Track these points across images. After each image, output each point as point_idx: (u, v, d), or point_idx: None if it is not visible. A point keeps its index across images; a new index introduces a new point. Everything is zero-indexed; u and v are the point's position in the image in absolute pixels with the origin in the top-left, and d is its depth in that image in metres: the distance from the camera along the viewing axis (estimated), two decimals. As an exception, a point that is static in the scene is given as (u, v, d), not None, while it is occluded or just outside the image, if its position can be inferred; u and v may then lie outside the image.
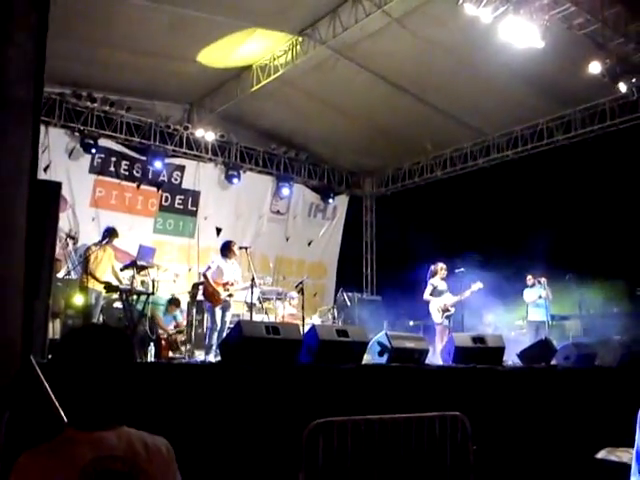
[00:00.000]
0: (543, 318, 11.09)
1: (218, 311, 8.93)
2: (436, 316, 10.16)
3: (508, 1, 8.68)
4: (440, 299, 10.20)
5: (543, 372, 7.31)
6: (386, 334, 6.80)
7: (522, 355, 8.23)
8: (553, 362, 7.95)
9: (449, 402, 4.64)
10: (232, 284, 9.06)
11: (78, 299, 8.72)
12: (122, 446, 1.81)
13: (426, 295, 10.29)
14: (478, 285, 10.11)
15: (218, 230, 9.76)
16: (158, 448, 1.88)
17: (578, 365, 7.93)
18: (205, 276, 9.15)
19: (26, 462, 1.73)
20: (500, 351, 7.45)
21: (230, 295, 9.07)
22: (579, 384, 6.94)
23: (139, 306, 8.66)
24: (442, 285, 10.33)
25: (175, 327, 10.58)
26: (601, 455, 4.34)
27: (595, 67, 9.50)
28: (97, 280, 8.60)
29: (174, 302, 10.84)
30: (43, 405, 2.75)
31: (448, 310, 10.12)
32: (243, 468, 4.42)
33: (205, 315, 10.47)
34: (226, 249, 9.35)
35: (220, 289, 8.94)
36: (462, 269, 10.35)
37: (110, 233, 9.24)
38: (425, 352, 6.95)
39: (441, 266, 10.39)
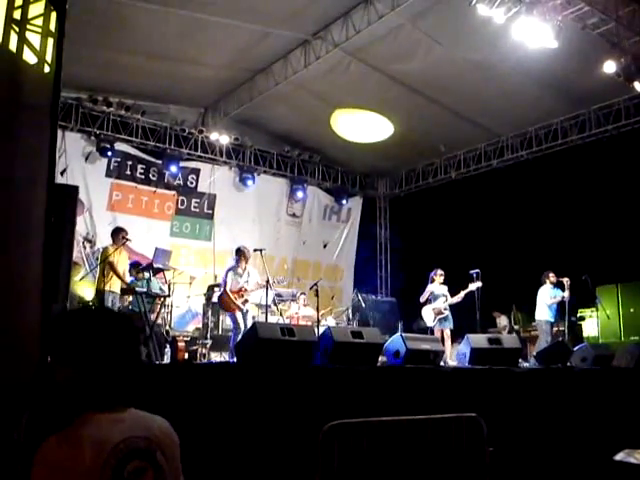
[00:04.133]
0: (552, 319, 10.98)
1: (239, 315, 9.06)
2: (428, 319, 10.44)
3: (521, 1, 8.62)
4: (434, 303, 10.44)
5: (559, 373, 7.26)
6: (401, 335, 6.79)
7: (539, 356, 8.20)
8: (569, 363, 7.90)
9: (465, 403, 4.62)
10: (245, 290, 9.17)
11: (94, 301, 8.78)
12: (139, 425, 1.87)
13: (422, 299, 10.55)
14: (476, 284, 10.27)
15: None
16: (167, 427, 1.96)
17: (595, 366, 7.87)
18: (223, 286, 9.25)
19: (53, 446, 1.73)
20: (516, 352, 7.42)
21: (245, 301, 9.17)
22: (596, 385, 6.89)
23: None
24: (439, 290, 10.56)
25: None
26: (620, 457, 4.29)
27: (610, 66, 9.43)
28: (122, 280, 8.71)
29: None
30: (61, 406, 2.78)
31: (441, 313, 10.34)
32: (259, 470, 4.43)
33: (220, 317, 10.56)
34: (238, 254, 9.43)
35: (235, 297, 9.07)
36: (477, 270, 10.35)
37: (118, 233, 9.11)
38: (441, 353, 6.94)
39: (440, 273, 10.66)
